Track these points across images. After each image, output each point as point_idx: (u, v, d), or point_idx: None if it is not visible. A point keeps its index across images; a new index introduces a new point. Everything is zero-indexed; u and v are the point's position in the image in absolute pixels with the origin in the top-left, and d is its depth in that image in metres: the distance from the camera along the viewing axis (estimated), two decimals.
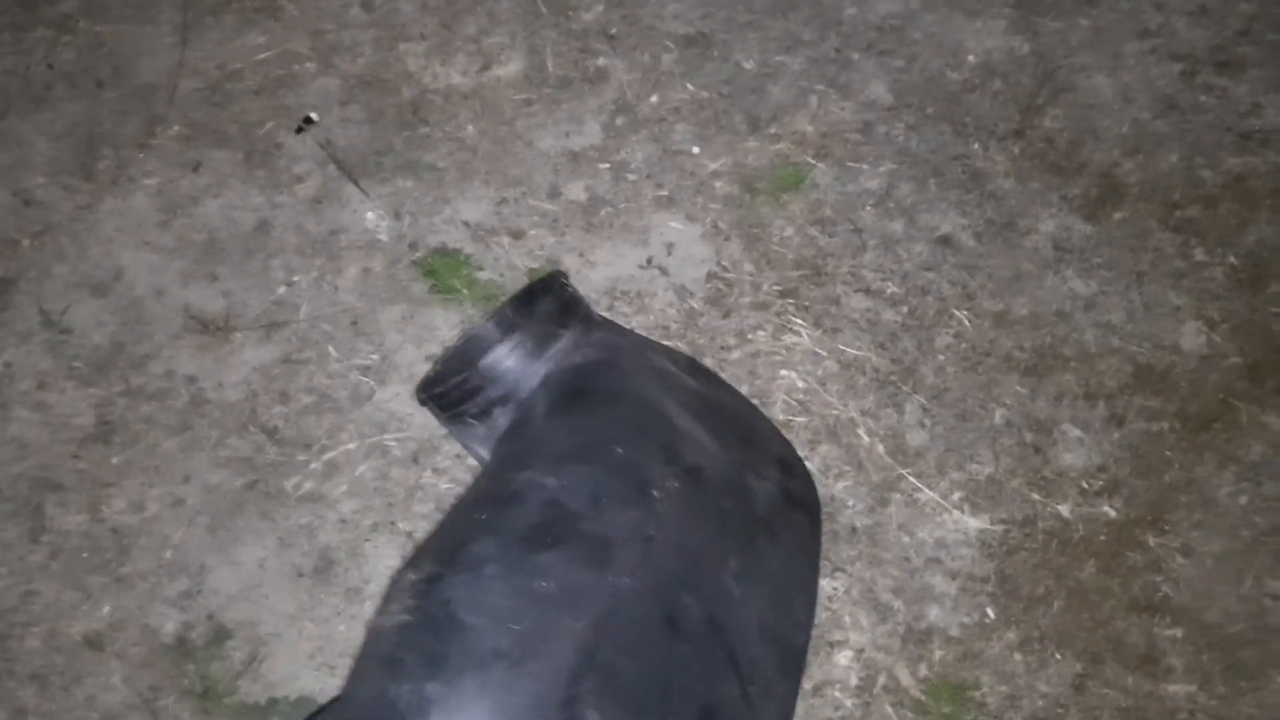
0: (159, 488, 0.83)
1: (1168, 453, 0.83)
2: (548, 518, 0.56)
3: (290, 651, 0.78)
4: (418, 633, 0.51)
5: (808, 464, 0.80)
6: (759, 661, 0.60)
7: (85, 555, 0.81)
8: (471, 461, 0.81)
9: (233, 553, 0.81)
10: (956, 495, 0.82)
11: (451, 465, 0.83)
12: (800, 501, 0.73)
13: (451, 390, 0.69)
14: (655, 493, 0.58)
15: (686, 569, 0.58)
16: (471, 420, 0.69)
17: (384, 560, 0.80)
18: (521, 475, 0.60)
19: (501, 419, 0.69)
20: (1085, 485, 0.82)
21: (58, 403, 0.85)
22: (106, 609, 0.79)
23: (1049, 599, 0.79)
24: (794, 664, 0.66)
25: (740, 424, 0.75)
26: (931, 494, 0.82)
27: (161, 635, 0.79)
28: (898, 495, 0.82)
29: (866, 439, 0.83)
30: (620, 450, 0.60)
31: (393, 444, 0.84)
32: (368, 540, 0.81)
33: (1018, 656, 0.77)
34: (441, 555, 0.55)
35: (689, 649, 0.56)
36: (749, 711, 0.58)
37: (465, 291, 0.87)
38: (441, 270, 0.87)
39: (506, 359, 0.67)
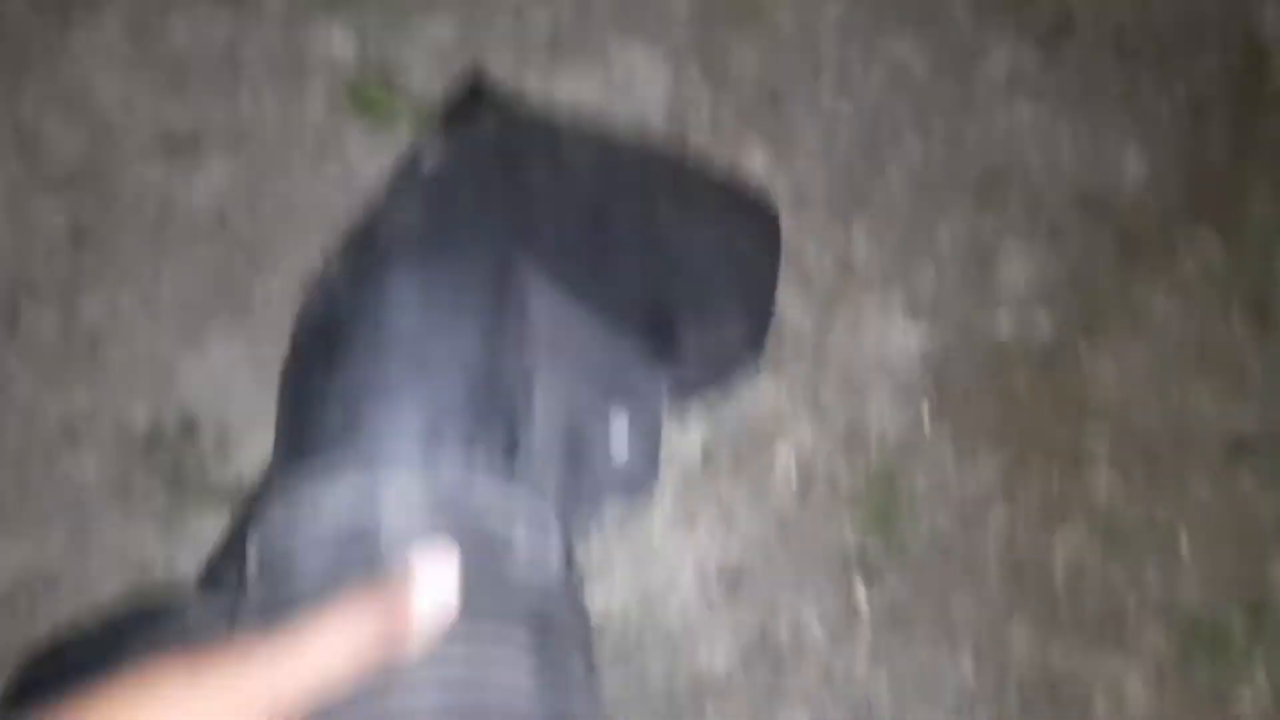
0: (130, 289, 0.86)
1: (1104, 271, 0.86)
2: None
3: (256, 440, 0.82)
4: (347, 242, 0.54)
5: None
6: (710, 285, 0.62)
7: (60, 352, 0.84)
8: None
9: (201, 351, 0.84)
10: (899, 309, 0.85)
11: None
12: (756, 208, 0.75)
13: None
14: (565, 137, 0.61)
15: (609, 187, 0.60)
16: None
17: None
18: None
19: None
20: (1022, 298, 0.85)
21: (31, 208, 0.88)
22: (81, 401, 0.83)
23: (982, 402, 0.83)
24: (759, 298, 0.68)
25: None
26: (876, 307, 0.85)
27: (134, 425, 0.82)
28: (843, 307, 0.85)
29: (815, 255, 0.86)
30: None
31: None
32: None
33: (949, 454, 0.82)
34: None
35: (623, 250, 0.58)
36: (711, 312, 0.61)
37: (403, 111, 0.90)
38: (371, 103, 0.90)
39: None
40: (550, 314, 0.52)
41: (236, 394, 0.83)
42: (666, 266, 0.61)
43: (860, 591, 0.79)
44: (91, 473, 0.81)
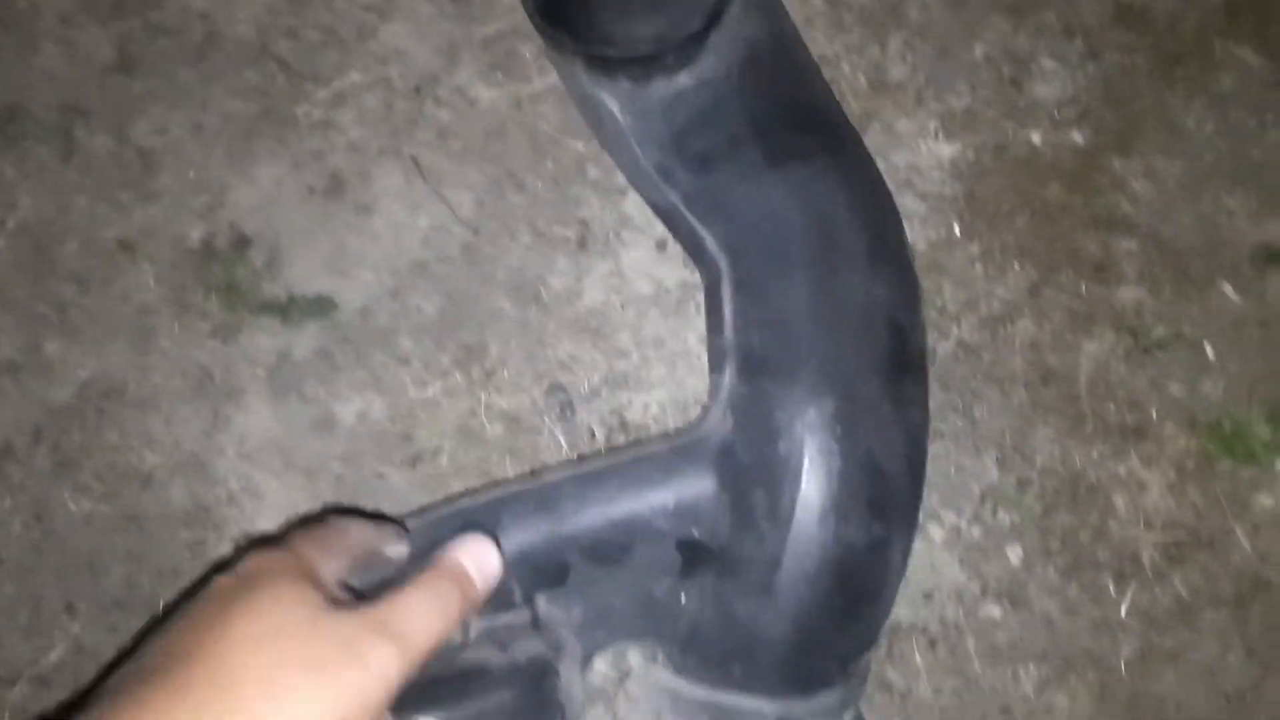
0: (179, 114, 0.88)
1: (1139, 85, 0.86)
2: None
3: (306, 258, 0.85)
4: None
5: None
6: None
7: (114, 173, 0.87)
8: (483, 99, 0.86)
9: (250, 172, 0.87)
10: (933, 124, 0.86)
11: (451, 97, 0.87)
12: None
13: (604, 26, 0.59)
14: None
15: None
16: (621, 77, 0.56)
17: (390, 181, 0.86)
18: None
19: (663, 87, 0.58)
20: (1057, 114, 0.85)
21: (80, 38, 0.90)
22: (136, 219, 0.86)
23: (1012, 216, 0.84)
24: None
25: None
26: (909, 123, 0.86)
27: (188, 242, 0.85)
28: (876, 124, 0.86)
29: (849, 72, 0.87)
30: None
31: (395, 77, 0.88)
32: (374, 163, 0.86)
33: (978, 267, 0.83)
34: None
35: None
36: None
37: None
38: None
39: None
40: None
41: (284, 212, 0.86)
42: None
43: None
44: (150, 287, 0.84)
